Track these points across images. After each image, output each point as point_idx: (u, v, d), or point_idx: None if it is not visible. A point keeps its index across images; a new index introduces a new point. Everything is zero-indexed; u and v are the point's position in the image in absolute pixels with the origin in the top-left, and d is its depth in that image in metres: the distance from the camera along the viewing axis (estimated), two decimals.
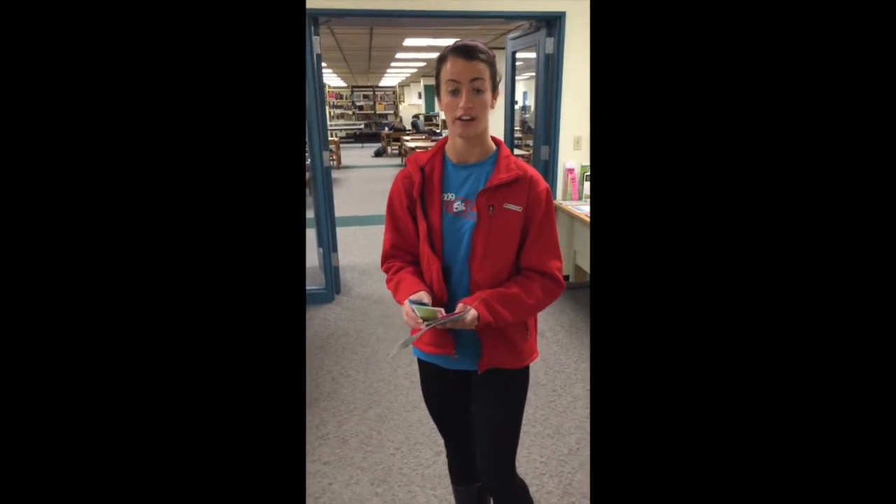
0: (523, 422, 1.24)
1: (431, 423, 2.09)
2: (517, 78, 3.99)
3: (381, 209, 7.03)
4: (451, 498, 1.69)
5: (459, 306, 0.98)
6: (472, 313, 0.96)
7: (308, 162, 3.89)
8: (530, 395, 2.20)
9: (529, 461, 1.85)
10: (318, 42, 2.95)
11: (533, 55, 3.66)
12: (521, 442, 1.29)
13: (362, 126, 15.66)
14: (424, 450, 1.93)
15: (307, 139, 3.10)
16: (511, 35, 3.71)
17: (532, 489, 1.48)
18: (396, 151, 11.55)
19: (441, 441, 2.00)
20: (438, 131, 10.82)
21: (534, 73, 3.39)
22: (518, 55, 3.71)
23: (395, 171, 8.86)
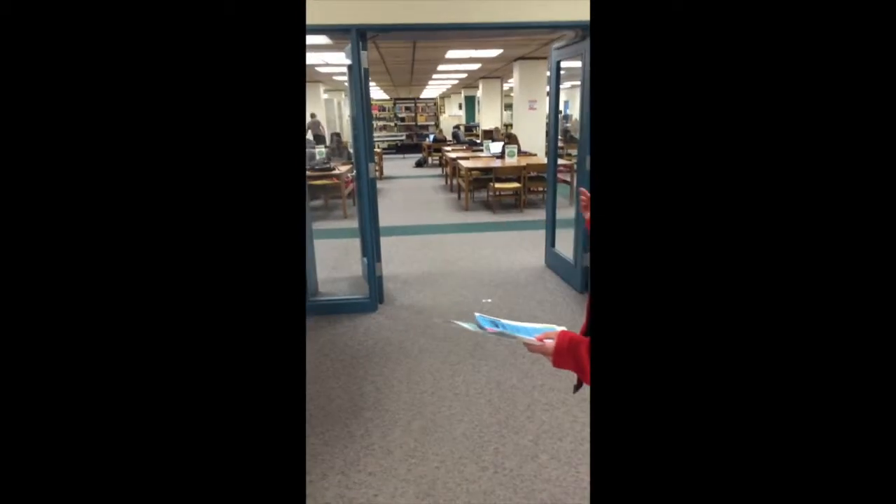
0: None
1: (476, 437, 2.08)
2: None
3: (422, 220, 7.09)
4: None
5: (548, 342, 0.92)
6: (550, 347, 0.91)
7: (353, 173, 3.95)
8: (579, 413, 2.14)
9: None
10: (365, 56, 3.02)
11: (572, 64, 3.62)
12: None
13: (404, 137, 15.89)
14: (469, 465, 1.90)
15: (356, 151, 3.16)
16: (556, 45, 3.68)
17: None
18: (437, 162, 11.64)
19: (486, 457, 1.98)
20: (479, 141, 10.83)
21: (573, 83, 3.34)
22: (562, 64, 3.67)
23: (436, 182, 8.90)
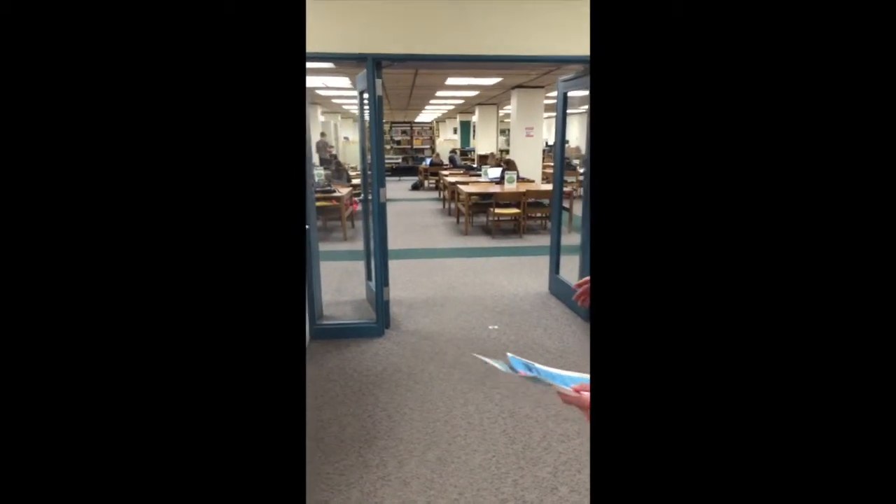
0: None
1: (493, 468, 2.05)
2: (550, 115, 4.04)
3: (421, 243, 7.10)
4: None
5: (585, 395, 0.89)
6: (587, 400, 0.87)
7: (361, 196, 3.97)
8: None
9: None
10: (380, 84, 3.07)
11: (574, 94, 3.71)
12: None
13: (400, 160, 16.02)
14: (489, 496, 1.87)
15: (365, 174, 3.18)
16: (562, 77, 3.78)
17: None
18: (433, 185, 11.73)
19: (505, 489, 1.95)
20: (475, 166, 10.96)
21: (571, 111, 3.41)
22: (555, 93, 3.76)
23: (433, 205, 8.94)
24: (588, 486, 1.90)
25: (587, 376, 0.95)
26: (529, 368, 0.95)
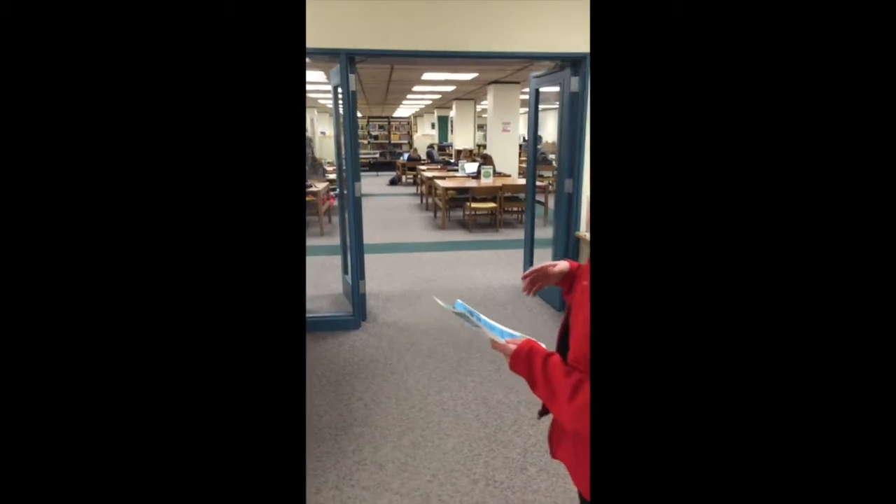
0: None
1: (466, 450, 2.13)
2: (527, 111, 4.12)
3: (398, 238, 7.07)
4: None
5: (511, 346, 0.96)
6: (511, 349, 0.95)
7: (333, 191, 3.99)
8: None
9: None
10: (354, 79, 3.10)
11: (546, 89, 3.80)
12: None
13: (377, 155, 15.96)
14: (461, 478, 1.95)
15: (342, 169, 3.21)
16: (534, 73, 3.86)
17: None
18: (411, 180, 11.75)
19: (477, 470, 2.02)
20: (453, 161, 11.01)
21: (545, 106, 3.49)
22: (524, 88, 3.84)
23: (411, 200, 8.86)
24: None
25: (520, 334, 1.03)
26: (471, 313, 1.03)
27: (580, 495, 0.99)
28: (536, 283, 1.15)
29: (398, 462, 2.03)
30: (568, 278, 1.13)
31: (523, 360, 0.92)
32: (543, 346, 0.98)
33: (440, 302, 1.08)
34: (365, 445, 2.14)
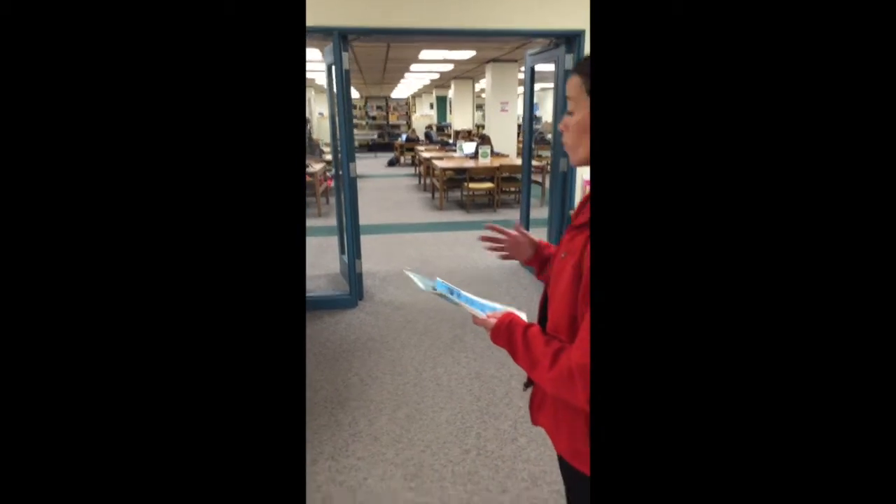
0: None
1: (458, 423, 2.19)
2: (522, 89, 4.11)
3: (397, 218, 7.05)
4: (482, 493, 1.77)
5: (492, 319, 0.98)
6: (491, 323, 0.97)
7: (332, 172, 4.00)
8: None
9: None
10: (346, 58, 3.09)
11: (544, 67, 3.78)
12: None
13: (375, 136, 15.87)
14: (453, 448, 2.01)
15: (338, 150, 3.22)
16: (530, 51, 3.83)
17: None
18: (409, 161, 11.70)
19: (469, 440, 2.09)
20: (451, 142, 10.95)
21: (543, 85, 3.48)
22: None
23: (409, 181, 8.81)
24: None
25: (501, 306, 1.06)
26: (451, 291, 1.05)
27: (560, 458, 1.03)
28: (503, 248, 1.18)
29: (393, 434, 2.10)
30: (537, 258, 1.15)
31: (504, 333, 0.95)
32: (524, 316, 1.02)
33: (416, 279, 1.03)
34: (360, 418, 2.20)
